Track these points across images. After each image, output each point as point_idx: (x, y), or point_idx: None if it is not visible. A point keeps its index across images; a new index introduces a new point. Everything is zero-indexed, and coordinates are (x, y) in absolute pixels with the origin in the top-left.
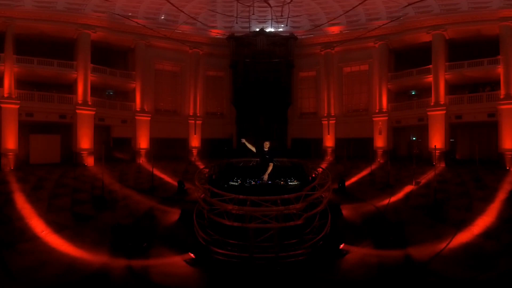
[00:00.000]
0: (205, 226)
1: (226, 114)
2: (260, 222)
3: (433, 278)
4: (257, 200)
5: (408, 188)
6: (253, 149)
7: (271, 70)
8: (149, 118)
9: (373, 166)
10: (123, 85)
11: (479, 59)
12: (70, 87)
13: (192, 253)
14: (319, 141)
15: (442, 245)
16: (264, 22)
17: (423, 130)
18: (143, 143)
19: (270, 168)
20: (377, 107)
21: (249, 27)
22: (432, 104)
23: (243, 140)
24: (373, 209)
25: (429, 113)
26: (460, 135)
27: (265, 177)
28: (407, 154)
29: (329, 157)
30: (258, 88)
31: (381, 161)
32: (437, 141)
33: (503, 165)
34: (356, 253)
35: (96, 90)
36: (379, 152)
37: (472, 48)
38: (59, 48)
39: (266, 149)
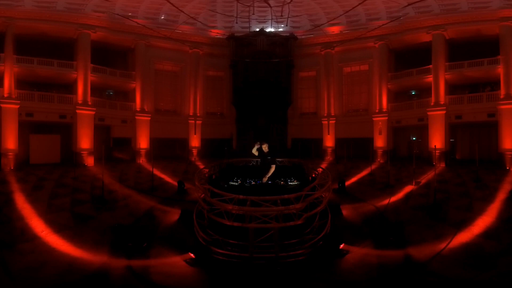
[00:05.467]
0: (205, 226)
1: (226, 114)
2: (260, 222)
3: (433, 278)
4: (257, 200)
5: (408, 188)
6: (255, 153)
7: (271, 70)
8: (149, 118)
9: (373, 166)
10: (123, 85)
11: (479, 59)
12: (70, 87)
13: (192, 253)
14: (319, 141)
15: (442, 245)
16: (264, 22)
17: (423, 130)
18: (143, 143)
19: (271, 171)
20: (377, 107)
21: (249, 27)
22: (432, 104)
23: (257, 146)
24: (373, 209)
25: (429, 113)
26: (460, 135)
27: (264, 180)
28: (407, 154)
29: (329, 157)
30: (258, 88)
31: (381, 161)
32: (437, 141)
33: (503, 165)
34: (356, 253)
35: (96, 90)
36: (379, 152)
37: (472, 48)
38: (59, 48)
39: (266, 151)
